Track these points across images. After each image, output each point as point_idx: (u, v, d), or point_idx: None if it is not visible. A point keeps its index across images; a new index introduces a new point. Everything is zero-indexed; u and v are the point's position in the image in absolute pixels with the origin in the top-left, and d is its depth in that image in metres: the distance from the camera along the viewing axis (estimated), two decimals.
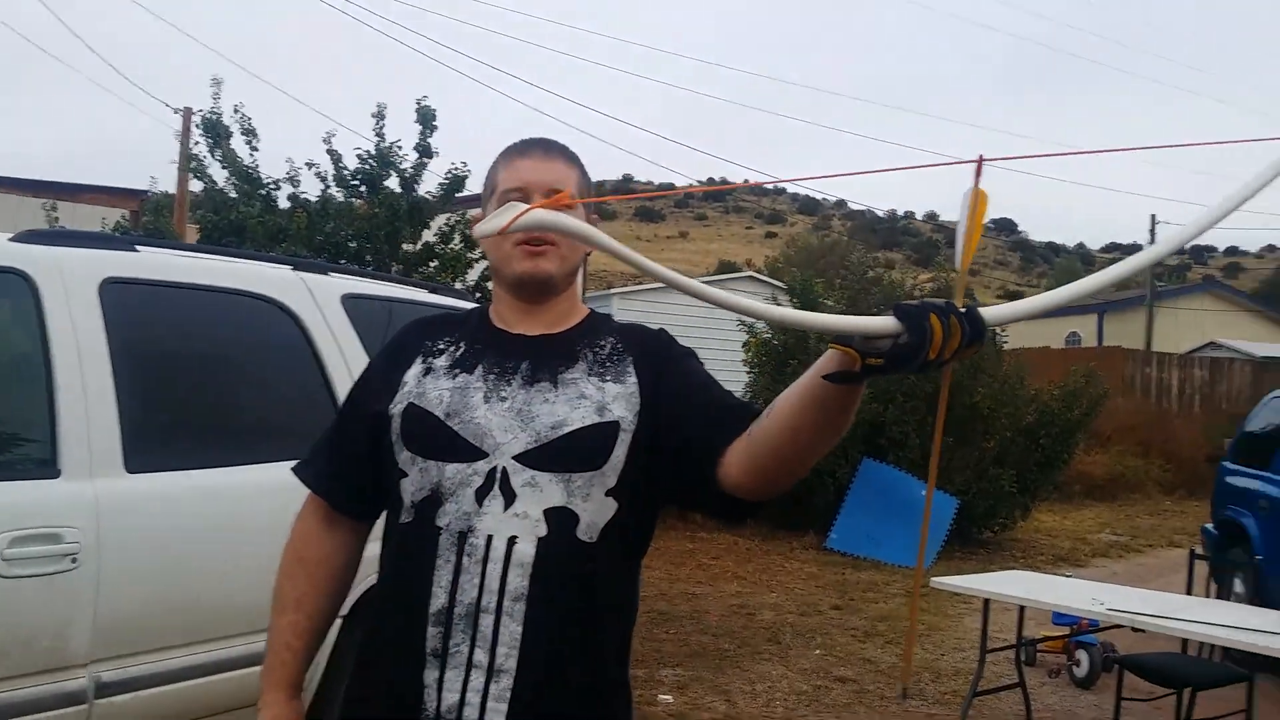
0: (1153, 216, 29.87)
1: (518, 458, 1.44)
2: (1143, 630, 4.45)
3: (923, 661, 6.05)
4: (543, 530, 1.41)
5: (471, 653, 1.40)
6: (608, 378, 1.50)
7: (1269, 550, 6.11)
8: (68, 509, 2.54)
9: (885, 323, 1.12)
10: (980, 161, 1.15)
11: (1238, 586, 6.47)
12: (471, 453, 1.45)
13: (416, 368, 1.55)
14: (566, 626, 1.42)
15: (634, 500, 1.46)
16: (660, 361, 1.53)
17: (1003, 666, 5.48)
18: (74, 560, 2.52)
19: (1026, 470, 10.33)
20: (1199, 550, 5.64)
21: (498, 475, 1.43)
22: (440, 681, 1.40)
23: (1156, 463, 16.03)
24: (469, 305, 3.23)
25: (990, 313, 1.18)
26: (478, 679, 1.39)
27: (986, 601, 4.88)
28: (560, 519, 1.42)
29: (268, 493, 2.98)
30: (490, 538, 1.41)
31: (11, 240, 2.84)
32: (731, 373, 12.04)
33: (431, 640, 1.41)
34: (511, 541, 1.41)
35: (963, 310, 1.12)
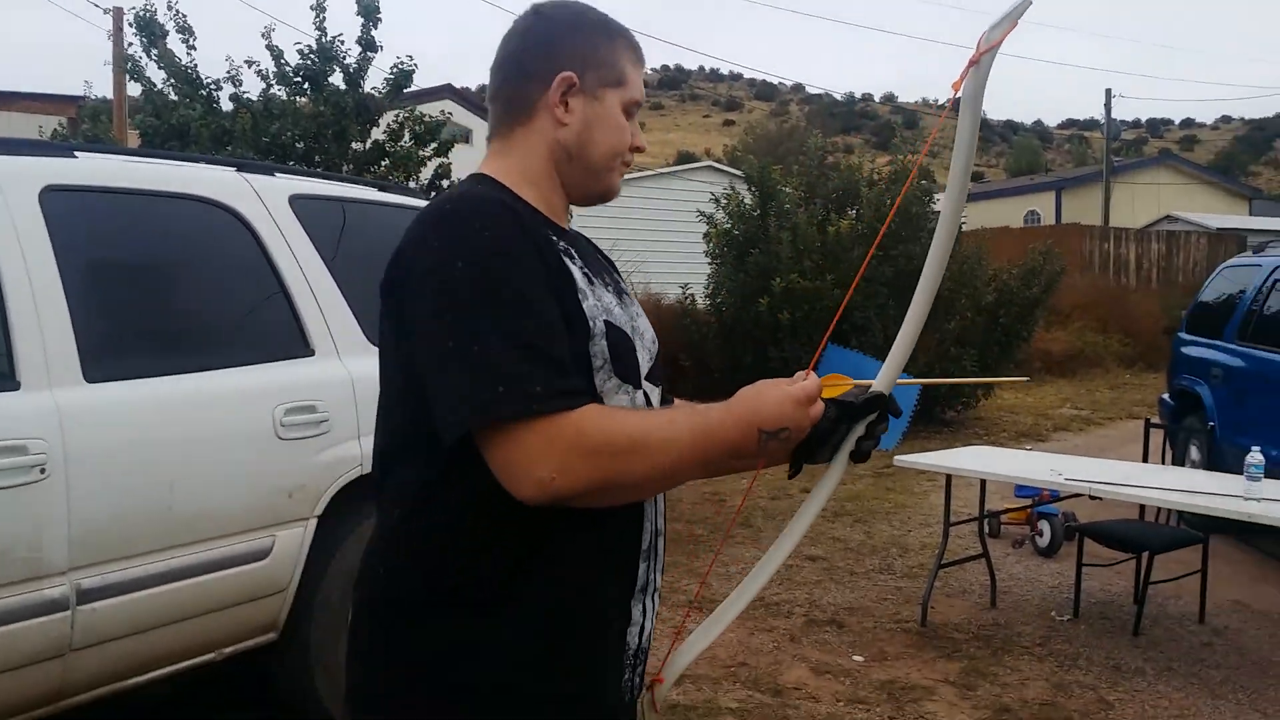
0: (1108, 91, 29.81)
1: (648, 377, 1.37)
2: (1100, 499, 4.57)
3: (890, 538, 6.21)
4: None
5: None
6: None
7: (1222, 417, 6.27)
8: (31, 420, 2.50)
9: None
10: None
11: (1194, 454, 6.66)
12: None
13: (579, 278, 1.28)
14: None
15: None
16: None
17: (969, 540, 5.63)
18: (42, 471, 2.49)
19: (988, 350, 10.47)
20: (1155, 420, 5.77)
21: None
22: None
23: (1115, 337, 16.31)
24: (423, 203, 3.16)
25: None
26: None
27: (949, 477, 4.98)
28: None
29: (225, 398, 2.96)
30: None
31: None
32: (696, 264, 12.00)
33: None
34: None
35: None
